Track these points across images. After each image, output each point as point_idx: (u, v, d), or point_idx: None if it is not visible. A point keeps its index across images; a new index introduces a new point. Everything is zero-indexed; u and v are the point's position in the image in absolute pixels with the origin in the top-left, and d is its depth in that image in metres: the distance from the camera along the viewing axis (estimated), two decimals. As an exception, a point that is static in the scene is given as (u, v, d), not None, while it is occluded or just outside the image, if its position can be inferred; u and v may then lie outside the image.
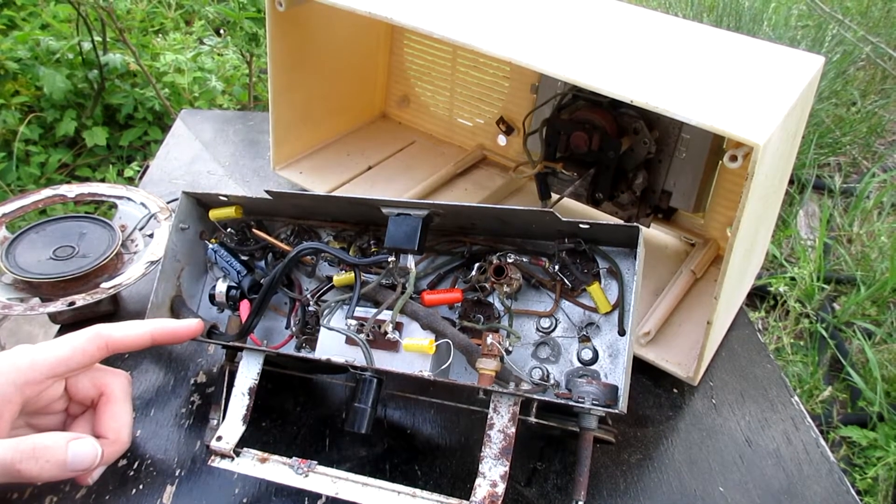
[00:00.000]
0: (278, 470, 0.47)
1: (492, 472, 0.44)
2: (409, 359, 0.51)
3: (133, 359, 0.62)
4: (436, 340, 0.50)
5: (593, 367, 0.51)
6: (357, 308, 0.52)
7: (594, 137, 0.67)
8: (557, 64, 0.54)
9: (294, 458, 0.47)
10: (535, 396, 0.47)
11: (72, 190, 0.73)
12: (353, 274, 0.53)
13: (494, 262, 0.52)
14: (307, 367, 0.57)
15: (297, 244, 0.56)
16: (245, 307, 0.56)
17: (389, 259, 0.52)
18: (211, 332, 0.56)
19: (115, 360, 0.61)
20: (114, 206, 0.73)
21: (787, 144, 0.57)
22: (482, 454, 0.45)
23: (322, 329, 0.53)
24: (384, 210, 0.51)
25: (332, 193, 0.80)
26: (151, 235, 0.68)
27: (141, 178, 0.94)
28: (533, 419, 0.48)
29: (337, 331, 0.52)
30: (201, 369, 0.62)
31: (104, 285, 0.62)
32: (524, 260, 0.53)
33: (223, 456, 0.48)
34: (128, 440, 0.48)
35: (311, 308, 0.56)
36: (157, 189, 0.86)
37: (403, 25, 0.61)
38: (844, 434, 1.38)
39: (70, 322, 0.64)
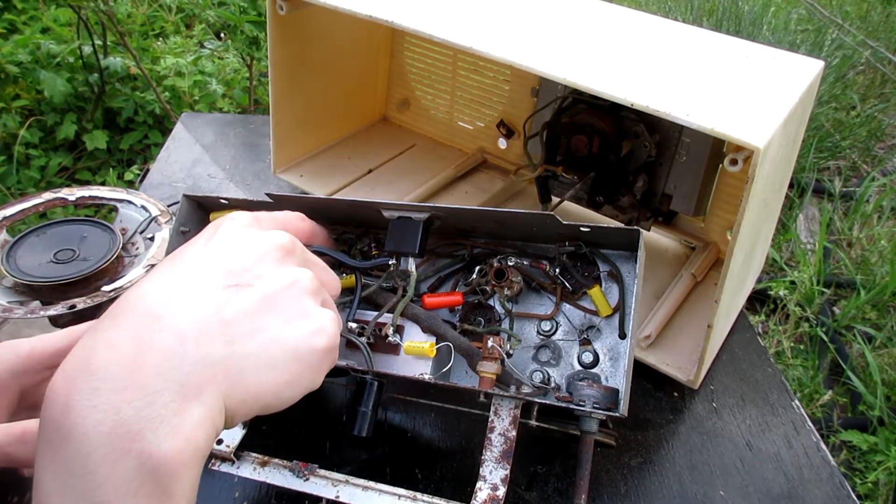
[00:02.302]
0: (279, 473, 0.46)
1: (493, 476, 0.44)
2: (409, 362, 0.51)
3: (133, 362, 0.62)
4: (436, 343, 0.50)
5: (594, 370, 0.51)
6: (358, 311, 0.52)
7: (595, 141, 0.68)
8: (558, 67, 0.54)
9: (294, 461, 0.47)
10: (535, 400, 0.47)
11: (72, 193, 0.73)
12: (353, 277, 0.53)
13: (495, 265, 0.52)
14: (308, 371, 0.57)
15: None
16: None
17: (390, 262, 0.52)
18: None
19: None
20: (114, 209, 0.73)
21: (787, 148, 0.57)
22: (483, 457, 0.45)
23: (323, 332, 0.53)
24: (385, 213, 0.51)
25: (333, 196, 0.81)
26: (152, 238, 0.68)
27: (141, 181, 0.94)
28: (534, 422, 0.48)
29: (337, 334, 0.52)
30: (202, 372, 0.62)
31: (105, 288, 0.62)
32: (525, 263, 0.53)
33: (224, 459, 0.48)
34: None
35: (311, 311, 0.56)
36: (157, 192, 0.86)
37: (404, 29, 0.61)
38: (845, 438, 1.38)
39: (70, 325, 0.63)
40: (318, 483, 0.46)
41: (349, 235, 0.59)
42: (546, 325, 0.53)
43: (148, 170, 0.95)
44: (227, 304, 0.34)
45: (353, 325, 0.51)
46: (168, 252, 0.57)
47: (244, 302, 0.34)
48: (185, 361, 0.31)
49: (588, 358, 0.52)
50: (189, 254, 0.37)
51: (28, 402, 0.47)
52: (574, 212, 0.79)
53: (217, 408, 0.32)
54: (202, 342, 0.32)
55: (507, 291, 0.53)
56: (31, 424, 0.43)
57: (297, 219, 0.48)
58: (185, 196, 0.58)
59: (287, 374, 0.35)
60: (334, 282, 0.43)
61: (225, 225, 0.39)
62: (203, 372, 0.31)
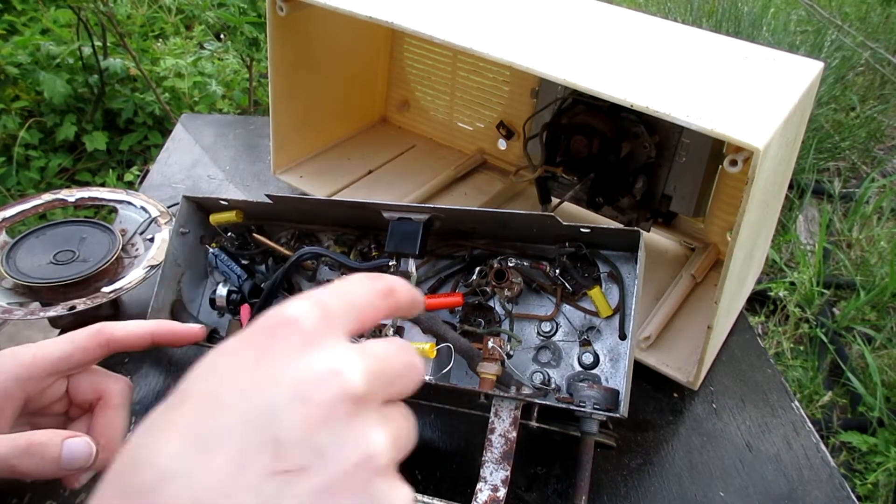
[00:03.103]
0: (278, 474, 0.46)
1: (493, 477, 0.44)
2: (409, 363, 0.51)
3: (133, 363, 0.62)
4: (437, 344, 0.50)
5: (594, 371, 0.51)
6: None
7: (594, 142, 0.68)
8: (557, 68, 0.54)
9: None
10: (536, 401, 0.47)
11: (72, 194, 0.73)
12: (353, 278, 0.53)
13: (495, 266, 0.52)
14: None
15: (298, 248, 0.56)
16: (246, 312, 0.56)
17: (390, 263, 0.52)
18: (212, 336, 0.56)
19: (116, 364, 0.61)
20: (114, 210, 0.73)
21: (786, 149, 0.57)
22: (483, 459, 0.45)
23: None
24: (385, 214, 0.51)
25: (333, 198, 0.81)
26: (152, 240, 0.68)
27: (141, 182, 0.94)
28: (534, 423, 0.48)
29: (337, 335, 0.52)
30: (201, 374, 0.61)
31: (105, 290, 0.62)
32: (525, 264, 0.53)
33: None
34: (119, 448, 0.48)
35: (311, 312, 0.56)
36: (157, 193, 0.86)
37: (404, 30, 0.61)
38: (844, 439, 1.38)
39: (70, 327, 0.63)
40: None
41: (349, 237, 0.59)
42: (546, 326, 0.53)
43: (148, 171, 0.95)
44: None
45: (353, 326, 0.51)
46: (168, 254, 0.57)
47: (295, 498, 0.25)
48: None
49: (588, 359, 0.52)
50: (232, 386, 0.27)
51: (31, 409, 0.47)
52: (574, 213, 0.79)
53: None
54: None
55: (507, 292, 0.53)
56: (37, 436, 0.43)
57: (381, 295, 0.32)
58: (184, 197, 0.58)
59: None
60: (418, 378, 0.30)
61: (281, 334, 0.28)
62: None
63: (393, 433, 0.28)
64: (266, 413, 0.26)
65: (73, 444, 0.44)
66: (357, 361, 0.27)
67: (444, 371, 0.51)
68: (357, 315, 0.30)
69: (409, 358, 0.30)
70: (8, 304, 0.60)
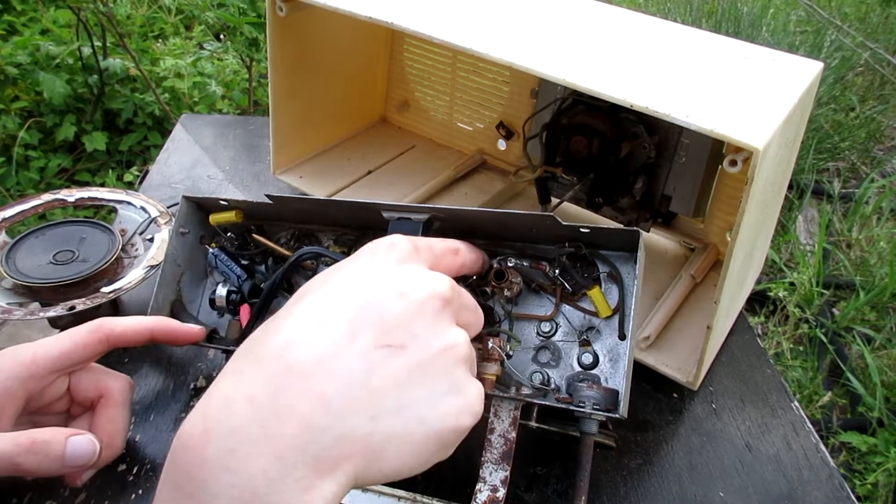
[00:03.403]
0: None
1: (492, 478, 0.44)
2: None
3: (133, 363, 0.62)
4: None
5: (594, 371, 0.51)
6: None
7: (594, 142, 0.68)
8: (557, 68, 0.54)
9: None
10: (535, 401, 0.47)
11: (71, 194, 0.73)
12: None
13: (495, 266, 0.52)
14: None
15: (298, 248, 0.56)
16: (245, 312, 0.56)
17: (390, 263, 0.52)
18: (211, 336, 0.56)
19: (116, 364, 0.61)
20: (113, 210, 0.73)
21: (786, 149, 0.57)
22: (483, 459, 0.45)
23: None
24: (385, 214, 0.51)
25: (333, 198, 0.81)
26: (151, 240, 0.68)
27: (141, 182, 0.94)
28: (534, 424, 0.48)
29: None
30: (201, 374, 0.62)
31: (104, 290, 0.62)
32: (524, 264, 0.53)
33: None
34: (121, 446, 0.48)
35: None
36: (157, 194, 0.86)
37: (404, 30, 0.61)
38: (844, 439, 1.38)
39: (70, 327, 0.63)
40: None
41: (349, 237, 0.59)
42: (546, 327, 0.53)
43: (147, 171, 0.95)
44: (377, 369, 0.31)
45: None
46: (167, 254, 0.57)
47: (395, 368, 0.32)
48: (325, 435, 0.30)
49: (588, 359, 0.51)
50: (344, 282, 0.34)
51: (32, 408, 0.47)
52: (573, 213, 0.79)
53: (347, 485, 0.30)
54: (347, 414, 0.30)
55: (506, 292, 0.53)
56: (40, 434, 0.43)
57: (450, 252, 0.43)
58: (184, 197, 0.58)
59: (424, 457, 0.33)
60: (480, 322, 0.41)
61: (383, 251, 0.36)
62: (342, 448, 0.30)
63: (467, 337, 0.36)
64: (373, 303, 0.33)
65: (77, 441, 0.44)
66: (443, 277, 0.36)
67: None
68: (435, 260, 0.40)
69: (476, 303, 0.40)
70: (8, 304, 0.60)
